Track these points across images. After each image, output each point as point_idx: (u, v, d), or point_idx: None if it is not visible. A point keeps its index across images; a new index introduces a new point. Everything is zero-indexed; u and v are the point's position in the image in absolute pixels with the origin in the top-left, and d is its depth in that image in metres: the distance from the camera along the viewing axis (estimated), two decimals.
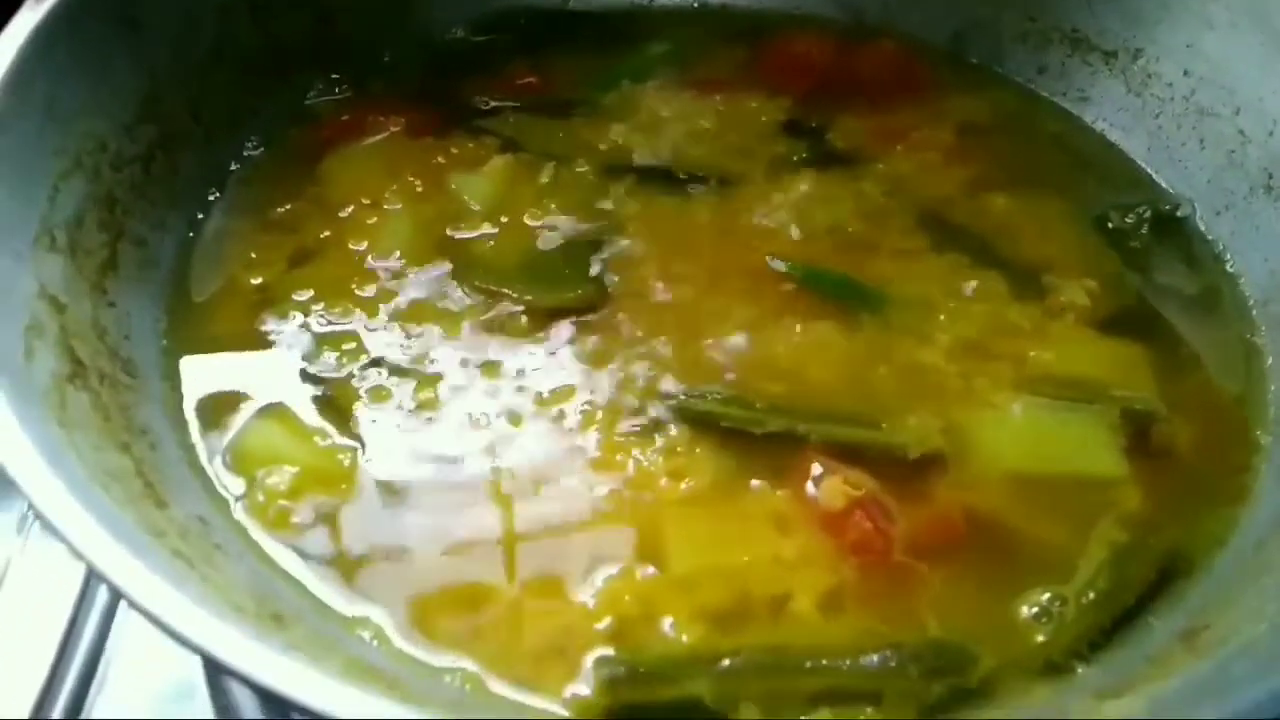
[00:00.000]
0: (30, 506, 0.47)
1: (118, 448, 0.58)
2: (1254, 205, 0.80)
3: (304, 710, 0.39)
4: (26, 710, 0.73)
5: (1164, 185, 0.86)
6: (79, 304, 0.64)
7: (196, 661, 0.75)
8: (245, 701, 0.72)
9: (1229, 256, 0.80)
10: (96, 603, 0.80)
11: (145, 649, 0.78)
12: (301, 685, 0.39)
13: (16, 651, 0.77)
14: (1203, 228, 0.83)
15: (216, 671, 0.72)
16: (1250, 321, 0.77)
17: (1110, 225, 0.82)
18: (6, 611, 0.79)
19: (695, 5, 1.03)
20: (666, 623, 0.58)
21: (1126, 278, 0.78)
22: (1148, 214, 0.82)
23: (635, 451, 0.65)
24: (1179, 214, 0.83)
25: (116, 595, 0.79)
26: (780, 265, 0.76)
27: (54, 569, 0.82)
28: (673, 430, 0.66)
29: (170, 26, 0.78)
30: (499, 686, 0.55)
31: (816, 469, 0.64)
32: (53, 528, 0.44)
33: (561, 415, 0.67)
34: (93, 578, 0.81)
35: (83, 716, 0.74)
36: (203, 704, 0.74)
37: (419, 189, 0.82)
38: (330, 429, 0.66)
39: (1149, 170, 0.87)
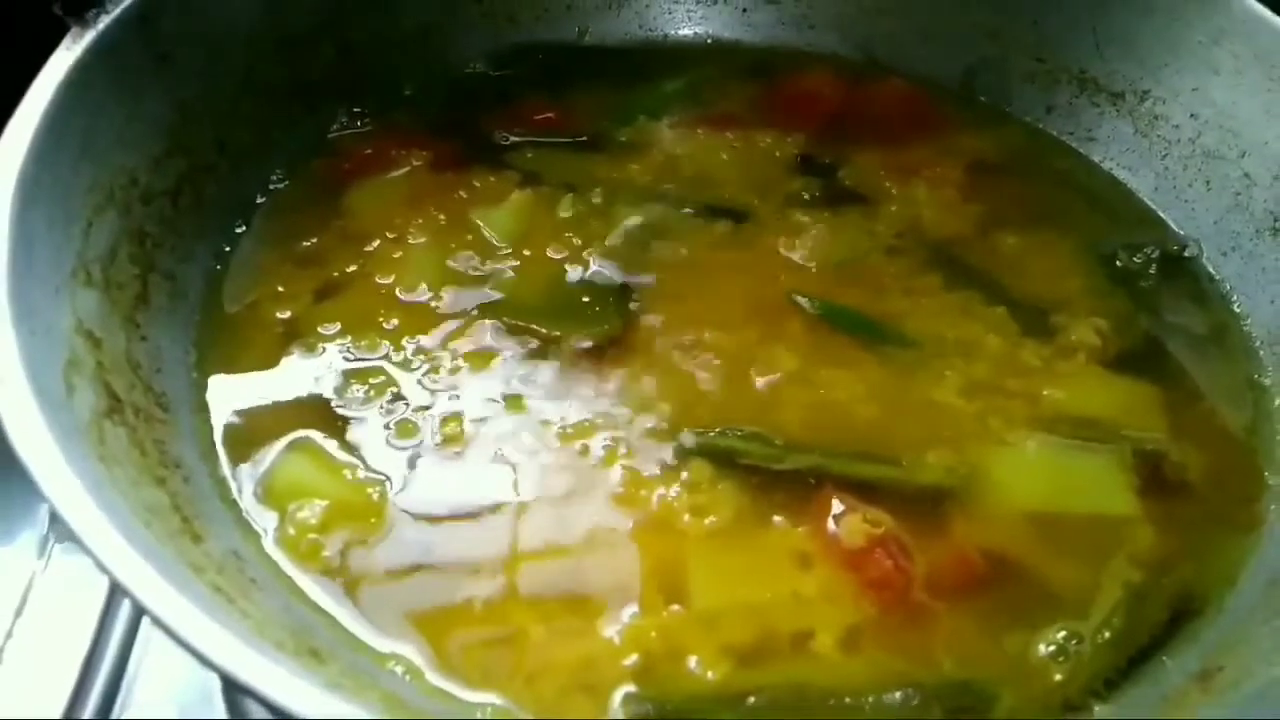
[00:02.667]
0: (72, 541, 0.47)
1: (154, 482, 0.59)
2: (1260, 247, 0.82)
3: None
4: None
5: (1171, 225, 0.88)
6: (113, 338, 0.65)
7: (214, 681, 0.76)
8: (257, 707, 0.72)
9: (1236, 297, 0.82)
10: (119, 620, 0.81)
11: (167, 667, 0.79)
12: None
13: (40, 671, 0.77)
14: (1210, 268, 0.84)
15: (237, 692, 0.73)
16: (1258, 361, 0.78)
17: (1119, 264, 0.84)
18: (30, 632, 0.80)
19: (709, 42, 1.04)
20: (692, 660, 0.59)
21: (1136, 317, 0.80)
22: (1156, 254, 0.84)
23: (658, 488, 0.66)
24: (1186, 254, 0.85)
25: (138, 617, 0.80)
26: (803, 301, 0.77)
27: (76, 588, 0.83)
28: (695, 466, 0.67)
29: (199, 60, 0.80)
30: None
31: (837, 506, 0.65)
32: (105, 568, 0.45)
33: (585, 450, 0.68)
34: (115, 595, 0.82)
35: None
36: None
37: (442, 222, 0.83)
38: (358, 463, 0.67)
39: (1156, 210, 0.89)
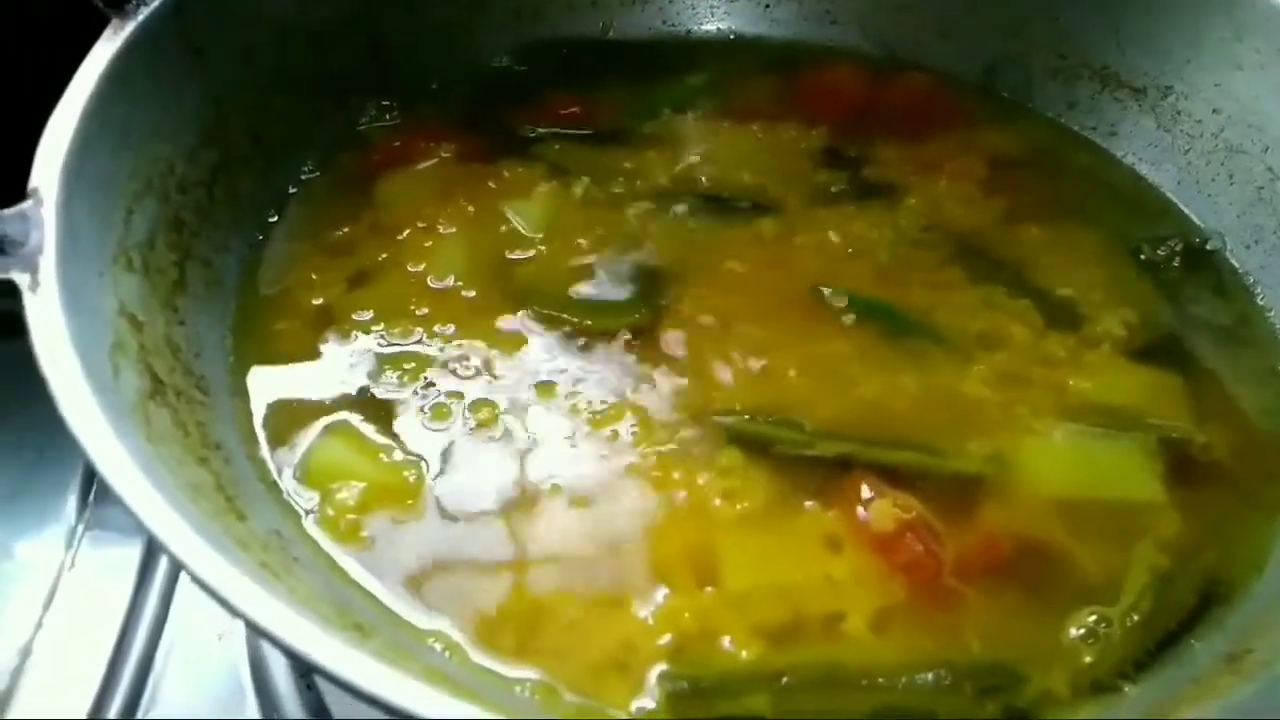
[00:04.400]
0: (100, 505, 0.48)
1: (197, 462, 0.60)
2: None
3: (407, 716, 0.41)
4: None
5: (1194, 219, 0.88)
6: (154, 322, 0.66)
7: (245, 671, 0.77)
8: (290, 704, 0.74)
9: (1259, 289, 0.83)
10: (146, 614, 0.82)
11: (195, 660, 0.80)
12: (414, 697, 0.41)
13: (69, 663, 0.78)
14: (1233, 261, 0.85)
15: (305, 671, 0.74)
16: None
17: (1143, 257, 0.84)
18: (59, 624, 0.81)
19: (731, 37, 1.05)
20: (725, 640, 0.60)
21: (1160, 308, 0.80)
22: (1179, 246, 0.85)
23: (690, 473, 0.67)
24: (1209, 247, 0.86)
25: (165, 609, 0.81)
26: (830, 293, 0.78)
27: (103, 581, 0.84)
28: (726, 452, 0.68)
29: (234, 54, 0.81)
30: (570, 698, 0.57)
31: (866, 492, 0.66)
32: (163, 545, 0.46)
33: (616, 435, 0.69)
34: (142, 589, 0.83)
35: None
36: (250, 712, 0.76)
37: (471, 213, 0.84)
38: (395, 445, 0.68)
39: (1179, 204, 0.90)
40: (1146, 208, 0.90)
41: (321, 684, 0.75)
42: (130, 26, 0.71)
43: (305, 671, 0.74)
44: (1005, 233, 0.86)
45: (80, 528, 0.88)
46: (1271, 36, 0.83)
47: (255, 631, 0.43)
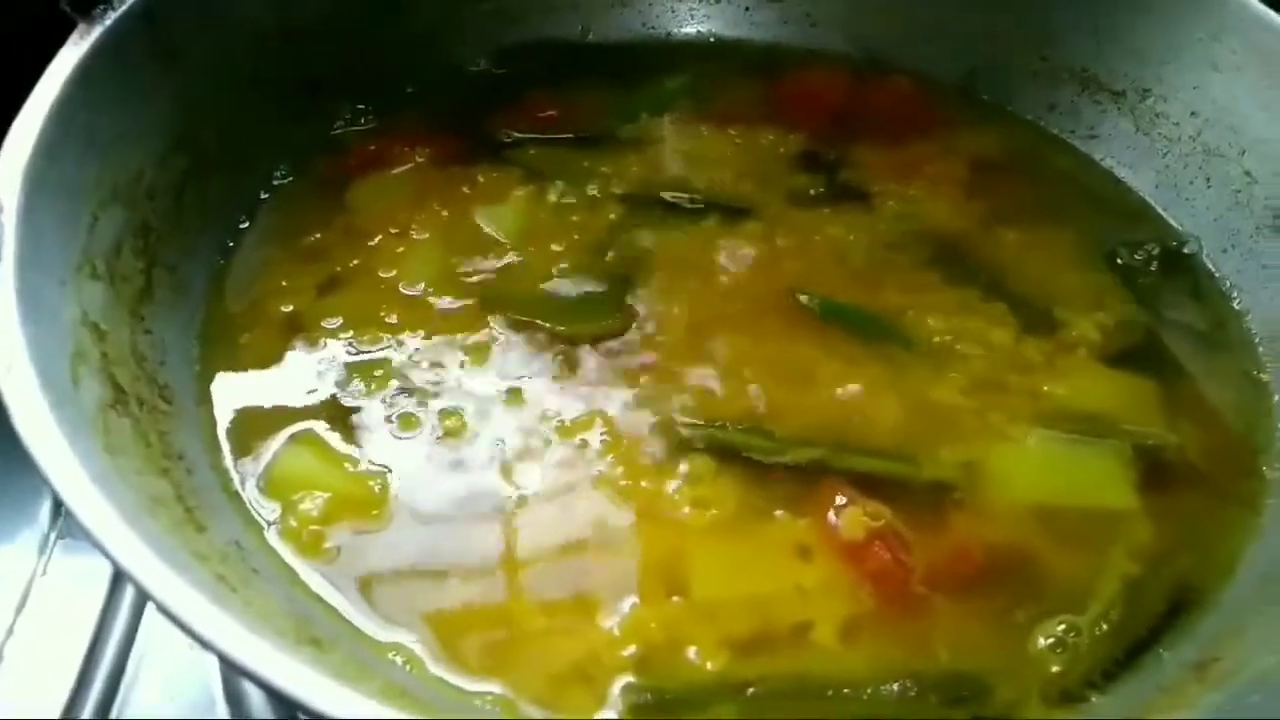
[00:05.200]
0: (79, 532, 0.48)
1: (158, 473, 0.59)
2: (1260, 244, 0.82)
3: None
4: None
5: (1172, 222, 0.88)
6: (118, 331, 0.66)
7: (216, 682, 0.77)
8: (260, 710, 0.73)
9: (1235, 294, 0.82)
10: (118, 623, 0.81)
11: (167, 666, 0.79)
12: (356, 711, 0.41)
13: (39, 671, 0.78)
14: (1210, 265, 0.84)
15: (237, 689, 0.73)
16: (1256, 357, 0.78)
17: (1119, 261, 0.84)
18: (29, 631, 0.80)
19: (711, 40, 1.05)
20: (692, 650, 0.59)
21: (1136, 313, 0.80)
22: (1156, 250, 0.84)
23: (658, 481, 0.67)
24: (1186, 250, 0.85)
25: (138, 616, 0.81)
26: (804, 298, 0.78)
27: (75, 589, 0.83)
28: (696, 460, 0.68)
29: (204, 57, 0.80)
30: (530, 710, 0.56)
31: (838, 500, 0.65)
32: (111, 557, 0.45)
33: (585, 444, 0.69)
34: (114, 597, 0.83)
35: None
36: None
37: (445, 218, 0.83)
38: (360, 455, 0.67)
39: (1157, 207, 0.89)
40: (1124, 211, 0.90)
41: None
42: (97, 31, 0.70)
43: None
44: (983, 236, 0.85)
45: (53, 534, 0.87)
46: (1248, 37, 0.83)
47: (203, 646, 0.43)
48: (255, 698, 0.75)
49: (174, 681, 0.78)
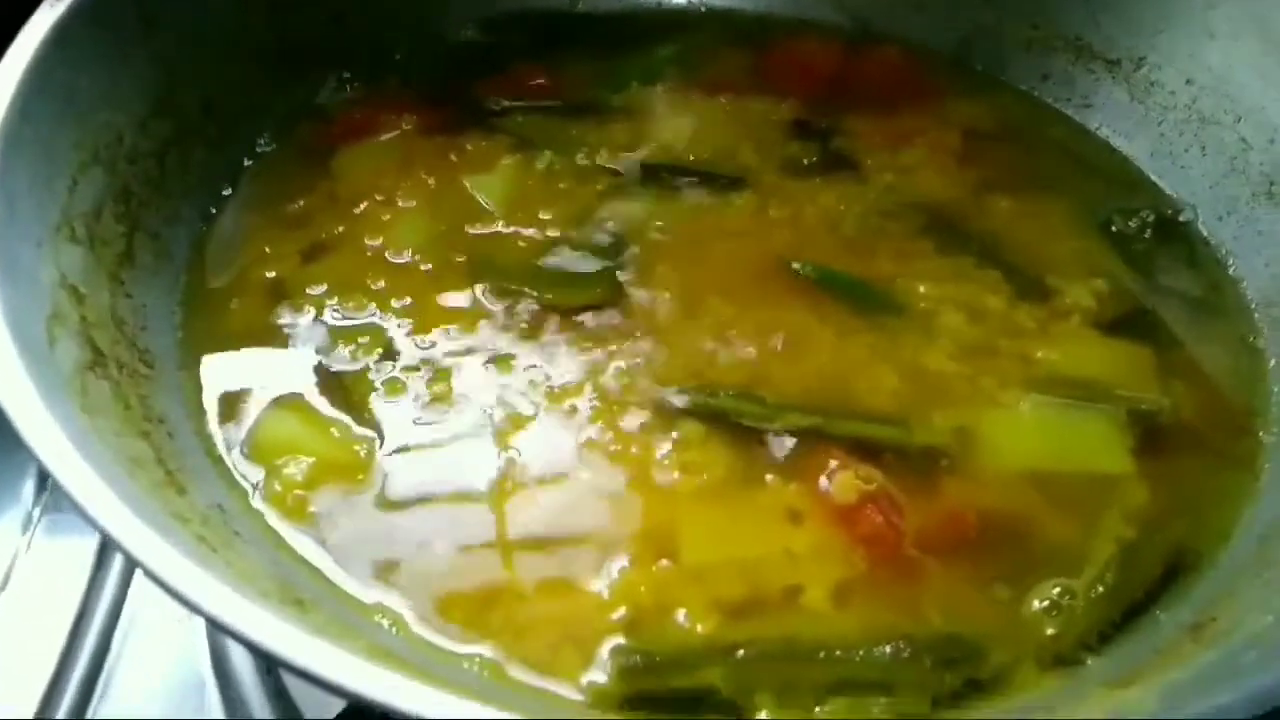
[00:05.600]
0: (57, 488, 0.47)
1: (138, 435, 0.58)
2: (1256, 211, 0.81)
3: (340, 691, 0.39)
4: (31, 709, 0.73)
5: (1167, 190, 0.87)
6: (98, 294, 0.65)
7: (205, 660, 0.76)
8: (254, 700, 0.72)
9: (1231, 261, 0.82)
10: (103, 600, 0.80)
11: (152, 647, 0.78)
12: (342, 670, 0.40)
13: (22, 650, 0.77)
14: (1205, 232, 0.84)
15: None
16: (1253, 324, 0.78)
17: (1114, 229, 0.83)
18: (12, 609, 0.79)
19: (702, 9, 1.04)
20: (681, 614, 0.59)
21: (1131, 280, 0.79)
22: (1151, 218, 0.84)
23: (648, 446, 0.66)
24: (1182, 218, 0.85)
25: (122, 596, 0.80)
26: (796, 266, 0.77)
27: (59, 566, 0.82)
28: (686, 425, 0.67)
29: (187, 23, 0.79)
30: (518, 673, 0.55)
31: (828, 464, 0.64)
32: (87, 515, 0.44)
33: (574, 410, 0.68)
34: (98, 575, 0.82)
35: (88, 716, 0.74)
36: (210, 703, 0.75)
37: (432, 186, 0.82)
38: (346, 420, 0.66)
39: (1152, 176, 0.89)
40: (1119, 179, 0.89)
41: (287, 677, 0.73)
42: None
43: (270, 668, 0.72)
44: (976, 205, 0.85)
45: (37, 512, 0.86)
46: (1244, 4, 0.82)
47: (186, 606, 0.42)
48: (241, 672, 0.74)
49: (159, 656, 0.78)
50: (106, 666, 0.77)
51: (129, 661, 0.77)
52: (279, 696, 0.72)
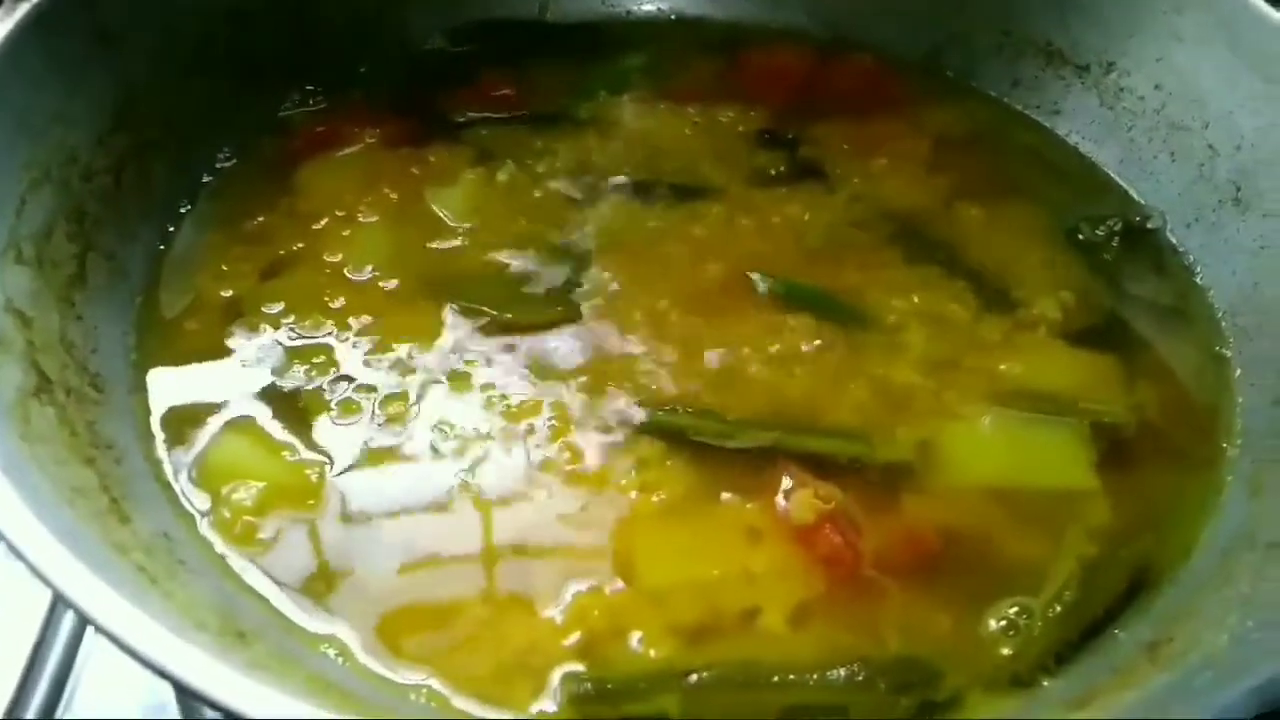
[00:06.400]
0: None
1: (82, 462, 0.57)
2: (1223, 218, 0.81)
3: None
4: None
5: (1136, 197, 0.87)
6: (46, 318, 0.64)
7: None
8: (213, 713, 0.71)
9: (1199, 269, 0.81)
10: (67, 617, 0.79)
11: (116, 663, 0.77)
12: (260, 704, 0.39)
13: None
14: (1173, 239, 0.83)
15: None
16: (1219, 333, 0.77)
17: (1081, 237, 0.83)
18: None
19: (672, 17, 1.03)
20: (635, 638, 0.58)
21: (1098, 290, 0.79)
22: (1119, 226, 0.83)
23: (606, 465, 0.65)
24: (1150, 225, 0.84)
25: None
26: (758, 279, 0.76)
27: (23, 582, 0.81)
28: (645, 444, 0.66)
29: (146, 37, 0.78)
30: (464, 704, 0.54)
31: (787, 482, 0.64)
32: (12, 546, 0.43)
33: (531, 429, 0.67)
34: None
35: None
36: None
37: (394, 200, 0.82)
38: (298, 443, 0.65)
39: (1121, 182, 0.88)
40: (1089, 186, 0.89)
41: None
42: (25, 6, 0.68)
43: None
44: (945, 213, 0.84)
45: None
46: (1211, 10, 0.82)
47: (103, 634, 0.41)
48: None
49: (123, 677, 0.77)
50: (70, 679, 0.76)
51: (92, 674, 0.76)
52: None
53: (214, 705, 0.39)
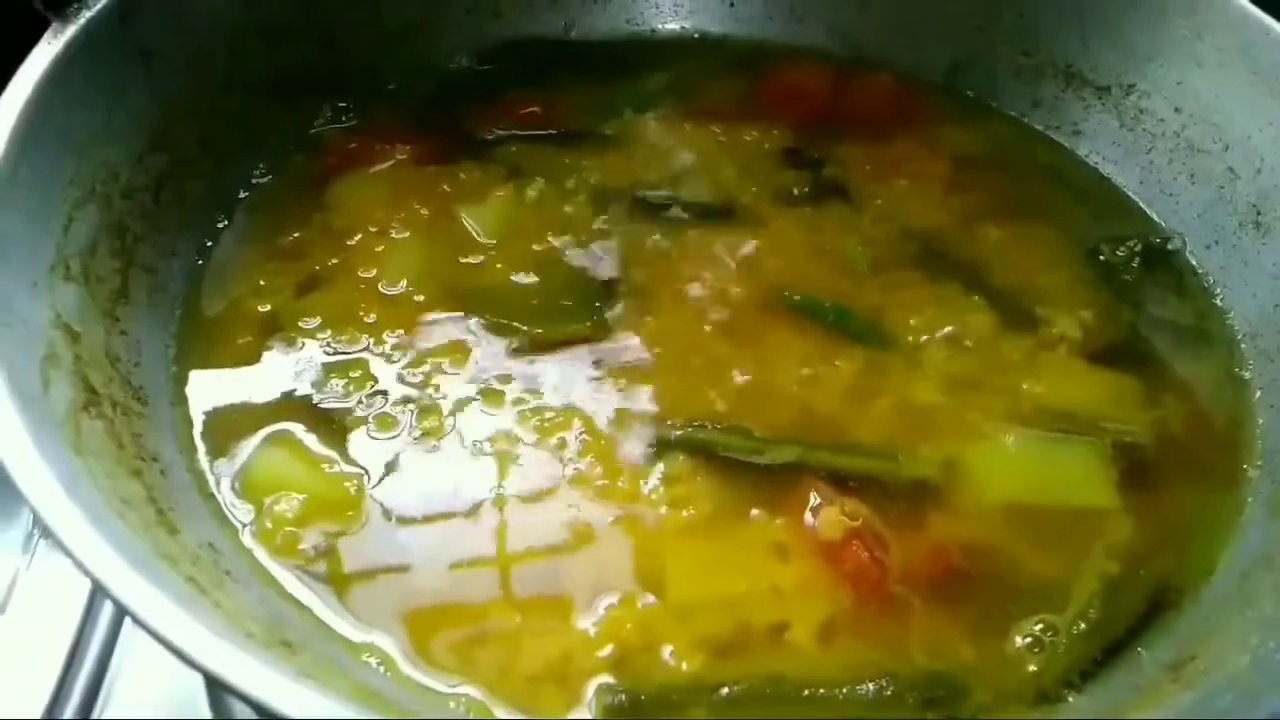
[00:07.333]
0: (45, 533, 0.47)
1: (130, 474, 0.59)
2: (1242, 240, 0.82)
3: None
4: None
5: (1155, 219, 0.88)
6: (92, 332, 0.65)
7: (198, 679, 0.76)
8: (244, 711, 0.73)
9: (1218, 290, 0.82)
10: (102, 618, 0.81)
11: (150, 664, 0.79)
12: (315, 711, 0.40)
13: (23, 667, 0.77)
14: (1193, 261, 0.84)
15: (220, 690, 0.73)
16: (1239, 355, 0.78)
17: (1102, 258, 0.84)
18: (14, 627, 0.80)
19: (696, 36, 1.04)
20: (667, 651, 0.59)
21: (1118, 310, 0.80)
22: (1139, 247, 0.84)
23: (636, 480, 0.66)
24: (1170, 247, 0.85)
25: (122, 615, 0.80)
26: (786, 297, 0.77)
27: (60, 585, 0.83)
28: (674, 459, 0.67)
29: (183, 56, 0.80)
30: (503, 712, 0.56)
31: (815, 499, 0.65)
32: (74, 558, 0.45)
33: (563, 444, 0.68)
34: (98, 593, 0.82)
35: None
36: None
37: (425, 217, 0.83)
38: (337, 456, 0.67)
39: (1140, 204, 0.89)
40: (1108, 207, 0.90)
41: None
42: (71, 29, 0.70)
43: None
44: (966, 233, 0.85)
45: (37, 531, 0.86)
46: (1232, 33, 0.83)
47: (162, 644, 0.42)
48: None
49: (157, 680, 0.78)
50: (105, 686, 0.77)
51: (127, 681, 0.77)
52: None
53: (268, 711, 0.40)
